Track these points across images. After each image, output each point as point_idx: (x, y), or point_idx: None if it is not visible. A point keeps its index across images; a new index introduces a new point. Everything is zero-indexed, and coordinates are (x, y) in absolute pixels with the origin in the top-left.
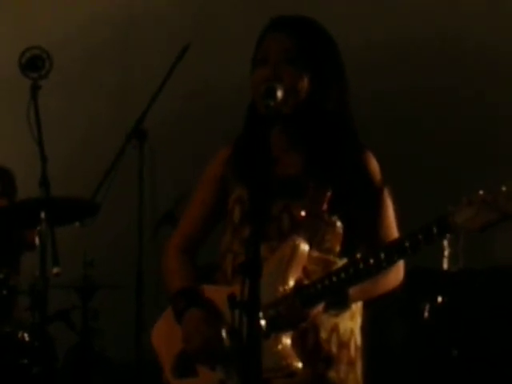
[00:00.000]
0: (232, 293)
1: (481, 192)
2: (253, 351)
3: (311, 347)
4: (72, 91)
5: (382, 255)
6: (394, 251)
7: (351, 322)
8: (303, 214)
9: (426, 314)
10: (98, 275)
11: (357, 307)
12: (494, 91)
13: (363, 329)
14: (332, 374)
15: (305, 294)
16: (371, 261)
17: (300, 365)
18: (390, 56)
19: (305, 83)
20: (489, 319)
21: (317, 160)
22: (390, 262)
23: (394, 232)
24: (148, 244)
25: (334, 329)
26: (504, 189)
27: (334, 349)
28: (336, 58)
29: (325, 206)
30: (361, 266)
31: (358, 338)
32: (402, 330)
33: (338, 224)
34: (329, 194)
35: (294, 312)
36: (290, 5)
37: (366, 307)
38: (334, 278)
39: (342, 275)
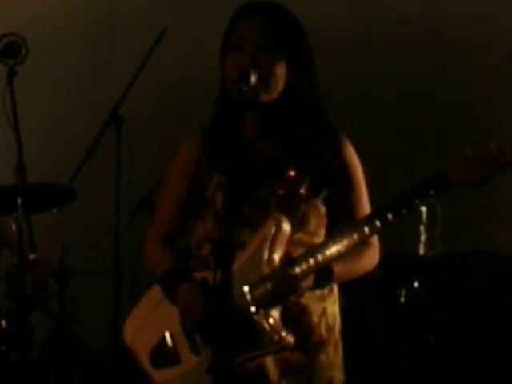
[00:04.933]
0: (204, 277)
1: (470, 148)
2: (225, 335)
3: (306, 332)
4: (47, 77)
5: (376, 214)
6: (388, 210)
7: (334, 306)
8: (281, 192)
9: (403, 299)
10: (74, 262)
11: (336, 292)
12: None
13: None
14: (323, 356)
15: (293, 266)
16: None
17: (292, 339)
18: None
19: (283, 69)
20: (465, 304)
21: (292, 145)
22: (385, 223)
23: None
24: (125, 230)
25: (323, 313)
26: (495, 144)
27: (323, 332)
28: (307, 44)
29: (304, 189)
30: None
31: (339, 322)
32: (378, 315)
33: (322, 208)
34: (306, 178)
35: (285, 282)
36: None
37: (342, 292)
38: (323, 248)
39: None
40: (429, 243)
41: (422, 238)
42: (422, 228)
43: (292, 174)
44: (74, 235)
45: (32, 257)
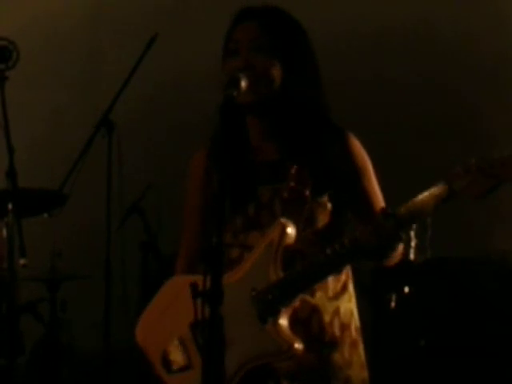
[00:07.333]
0: (194, 281)
1: (474, 160)
2: (215, 340)
3: (316, 332)
4: (38, 81)
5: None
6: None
7: (350, 303)
8: (286, 195)
9: (393, 304)
10: (65, 266)
11: (351, 290)
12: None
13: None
14: (337, 356)
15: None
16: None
17: (301, 346)
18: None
19: (277, 70)
20: (456, 309)
21: (294, 145)
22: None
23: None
24: (116, 234)
25: (336, 312)
26: (498, 156)
27: (336, 331)
28: (305, 45)
29: (308, 190)
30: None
31: (357, 319)
32: (368, 320)
33: (329, 205)
34: (310, 176)
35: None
36: None
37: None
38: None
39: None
40: (419, 248)
41: (413, 243)
42: (412, 233)
43: (293, 171)
44: (65, 240)
45: (22, 262)
